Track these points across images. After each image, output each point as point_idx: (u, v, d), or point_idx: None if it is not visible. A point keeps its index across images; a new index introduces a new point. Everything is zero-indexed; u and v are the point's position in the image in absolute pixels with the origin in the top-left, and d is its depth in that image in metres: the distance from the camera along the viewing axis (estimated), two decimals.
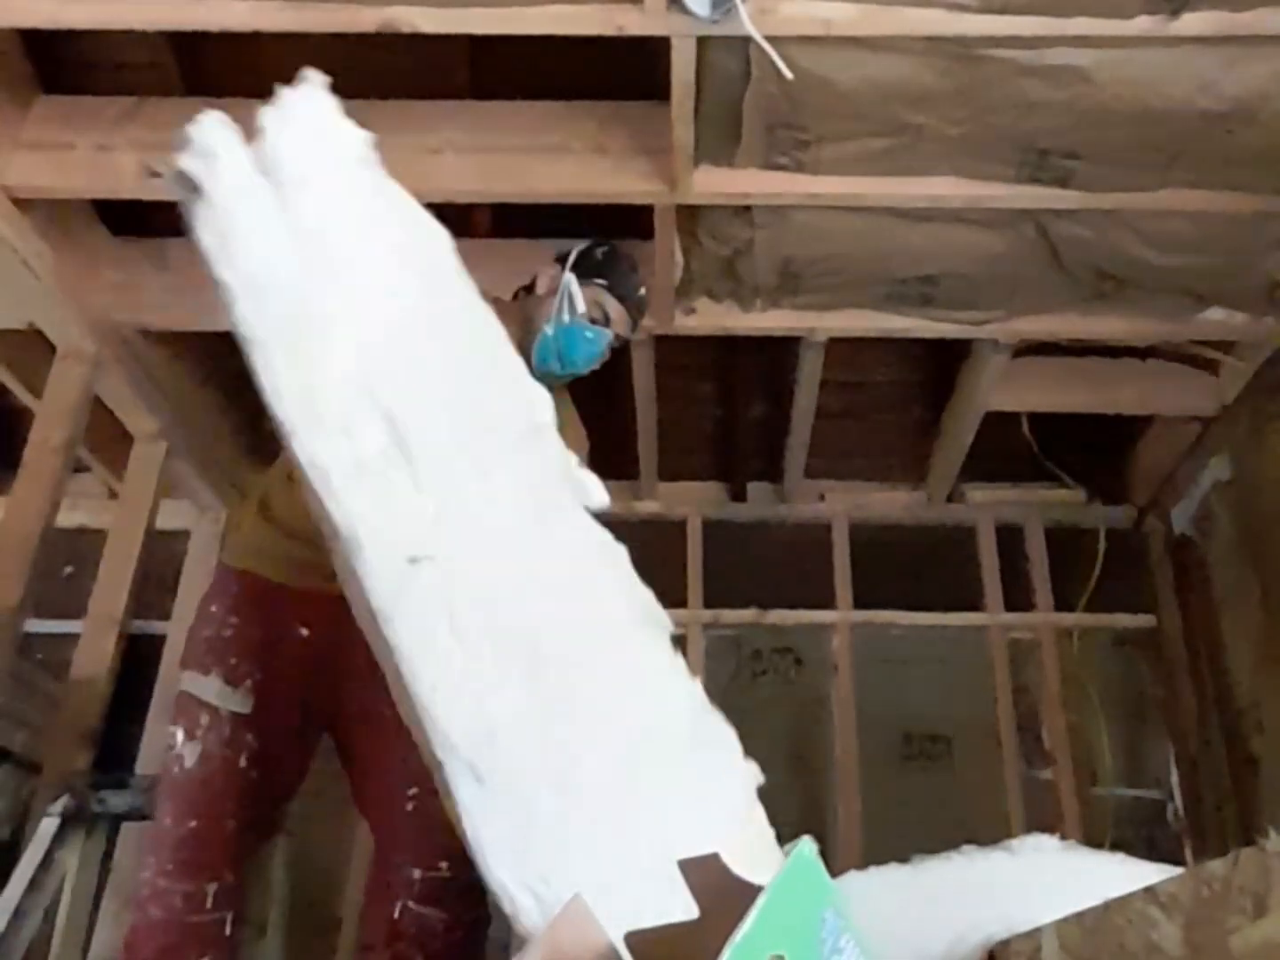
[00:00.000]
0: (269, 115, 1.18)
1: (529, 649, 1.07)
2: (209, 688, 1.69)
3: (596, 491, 1.15)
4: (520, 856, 1.02)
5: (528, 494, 1.12)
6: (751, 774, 1.17)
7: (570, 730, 1.06)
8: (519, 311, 1.93)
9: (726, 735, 1.20)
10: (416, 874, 1.63)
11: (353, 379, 1.09)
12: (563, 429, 1.90)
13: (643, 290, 1.97)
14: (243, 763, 1.65)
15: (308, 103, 1.20)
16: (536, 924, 0.98)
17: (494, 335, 1.22)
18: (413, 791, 1.66)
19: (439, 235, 1.26)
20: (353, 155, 1.21)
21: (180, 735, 1.68)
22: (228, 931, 1.62)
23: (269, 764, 1.68)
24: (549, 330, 1.88)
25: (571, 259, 1.94)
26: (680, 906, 0.88)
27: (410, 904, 1.62)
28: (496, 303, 1.90)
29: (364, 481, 1.07)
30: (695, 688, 1.20)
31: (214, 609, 1.80)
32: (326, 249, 1.14)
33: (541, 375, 1.84)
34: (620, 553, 1.18)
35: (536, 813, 1.03)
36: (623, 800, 1.05)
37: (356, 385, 1.10)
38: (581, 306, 1.88)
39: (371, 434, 1.08)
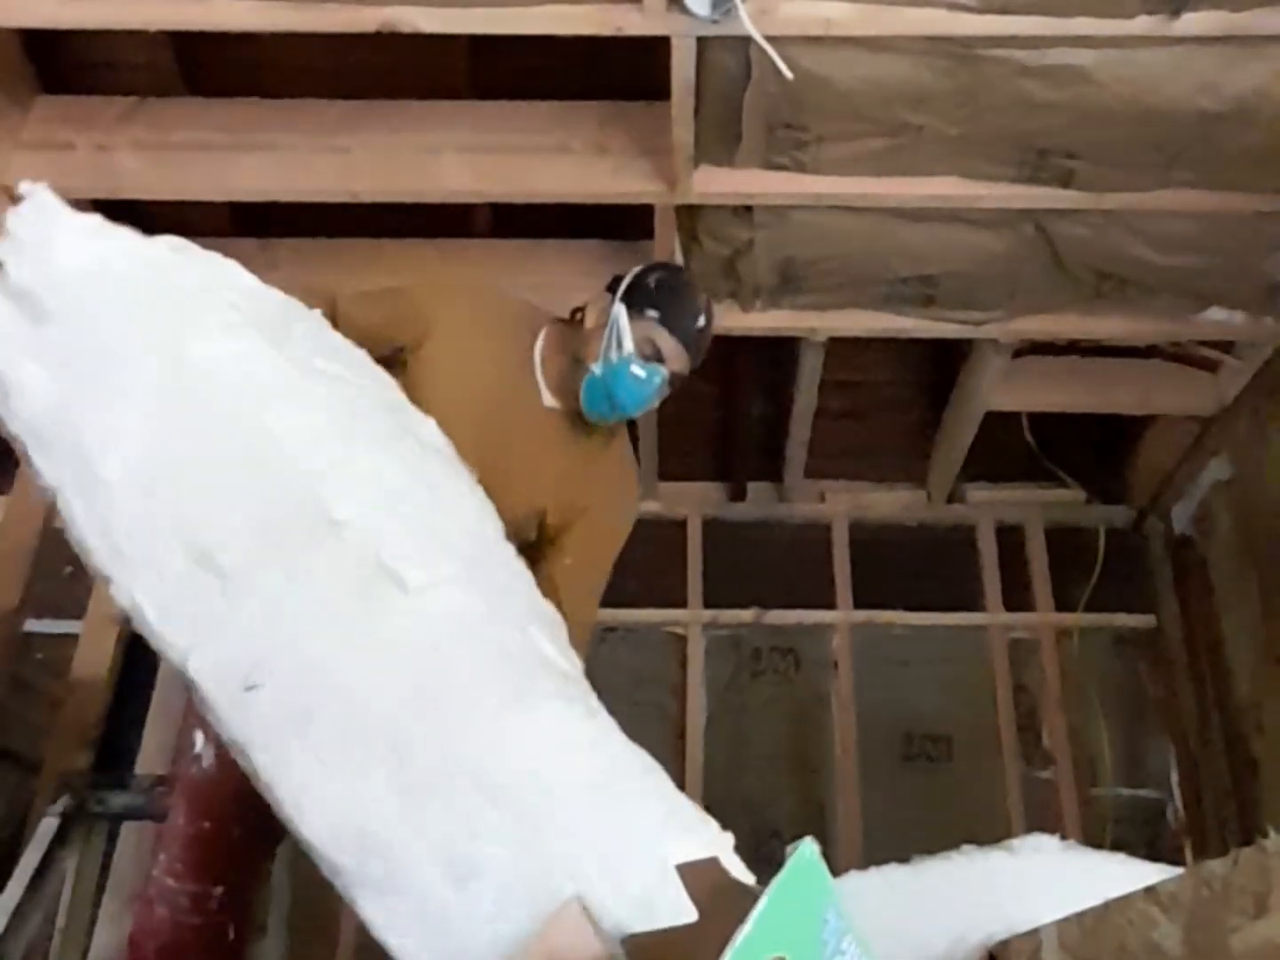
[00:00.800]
0: (3, 248, 1.15)
1: (389, 741, 1.05)
2: None
3: (413, 574, 1.10)
4: (437, 951, 1.00)
5: (341, 589, 1.09)
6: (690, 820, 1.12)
7: (454, 811, 1.03)
8: (569, 341, 1.76)
9: (643, 775, 1.15)
10: None
11: (138, 505, 1.09)
12: (612, 466, 1.88)
13: (702, 321, 1.74)
14: None
15: (36, 224, 1.17)
16: None
17: (265, 421, 1.14)
18: None
19: (203, 293, 1.19)
20: (93, 264, 1.16)
21: (200, 736, 1.67)
22: (230, 936, 1.62)
23: None
24: (596, 370, 1.68)
25: (622, 288, 1.71)
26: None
27: None
28: (551, 327, 1.80)
29: (179, 611, 1.07)
30: (598, 737, 1.15)
31: None
32: (80, 378, 1.12)
33: (592, 416, 1.75)
34: (475, 620, 1.14)
35: (439, 902, 1.01)
36: (529, 864, 1.02)
37: (143, 511, 1.09)
38: (629, 345, 1.66)
39: (172, 560, 1.07)
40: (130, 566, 1.09)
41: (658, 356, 1.69)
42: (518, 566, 1.38)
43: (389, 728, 1.05)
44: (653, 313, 1.69)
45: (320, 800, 1.03)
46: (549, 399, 1.78)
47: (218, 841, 1.62)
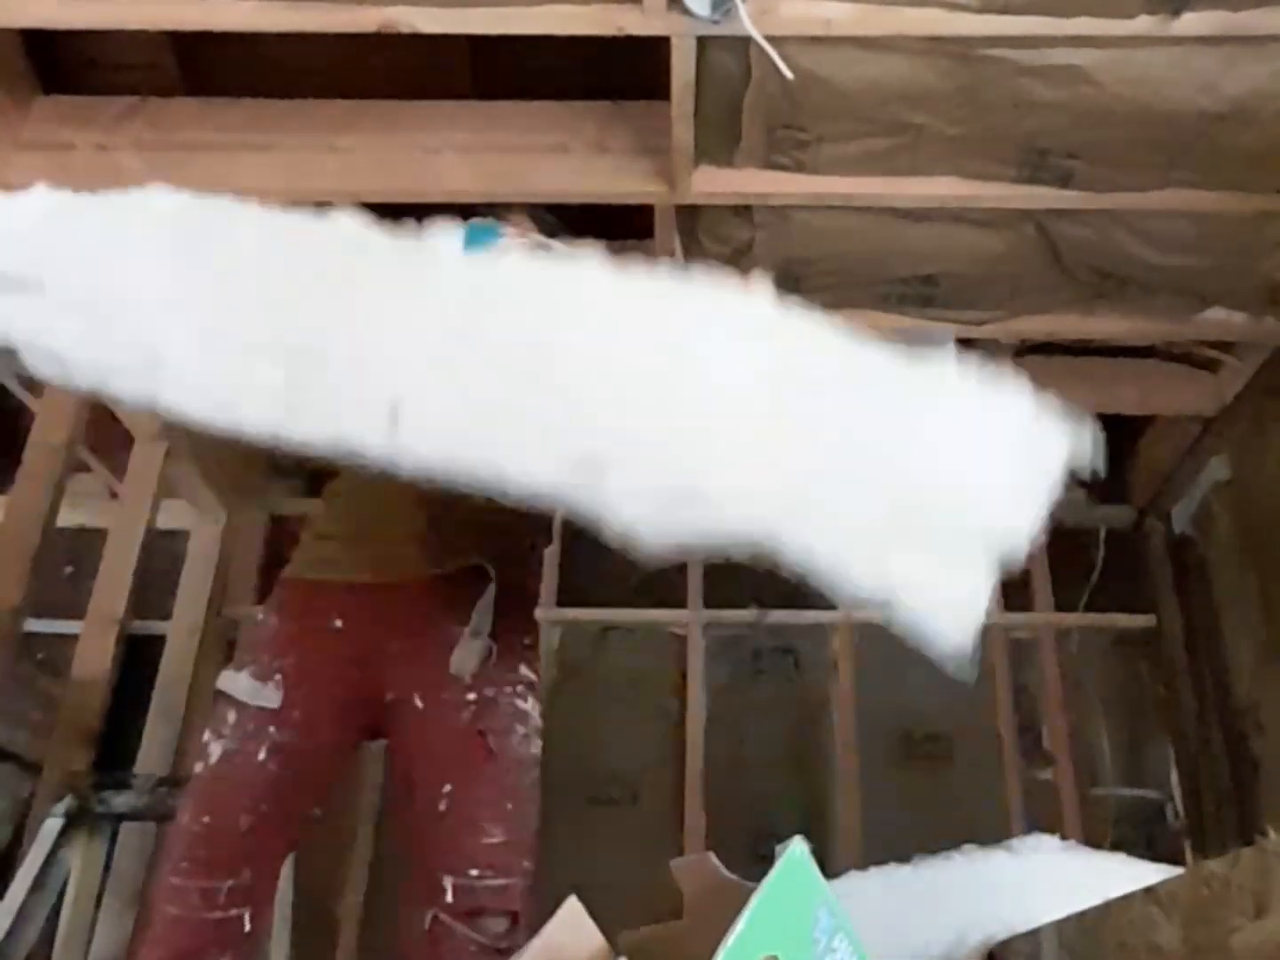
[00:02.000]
0: None
1: (508, 391, 1.13)
2: (239, 684, 1.69)
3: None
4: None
5: (385, 279, 1.20)
6: None
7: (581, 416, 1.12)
8: None
9: None
10: (447, 881, 1.58)
11: (214, 361, 1.19)
12: None
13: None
14: (262, 755, 1.63)
15: None
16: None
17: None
18: (446, 789, 1.63)
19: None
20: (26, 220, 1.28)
21: (208, 735, 1.68)
22: (247, 929, 1.61)
23: (294, 758, 1.66)
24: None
25: None
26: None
27: (441, 915, 1.58)
28: None
29: (311, 408, 1.15)
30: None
31: (260, 616, 1.82)
32: (96, 306, 1.22)
33: None
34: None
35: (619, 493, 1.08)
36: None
37: (223, 357, 1.18)
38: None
39: (272, 373, 1.17)
40: (260, 404, 1.16)
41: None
42: None
43: (503, 383, 1.12)
44: None
45: (514, 465, 1.11)
46: None
47: (221, 836, 1.61)
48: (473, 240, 1.84)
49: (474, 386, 1.13)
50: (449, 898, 1.59)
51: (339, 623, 1.74)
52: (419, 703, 1.67)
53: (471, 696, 1.67)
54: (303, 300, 1.19)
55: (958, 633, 1.04)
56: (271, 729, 1.65)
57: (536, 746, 1.72)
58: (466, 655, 1.67)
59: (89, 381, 1.21)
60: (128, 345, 1.19)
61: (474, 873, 1.59)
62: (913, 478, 1.06)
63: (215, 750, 1.65)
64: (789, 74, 1.76)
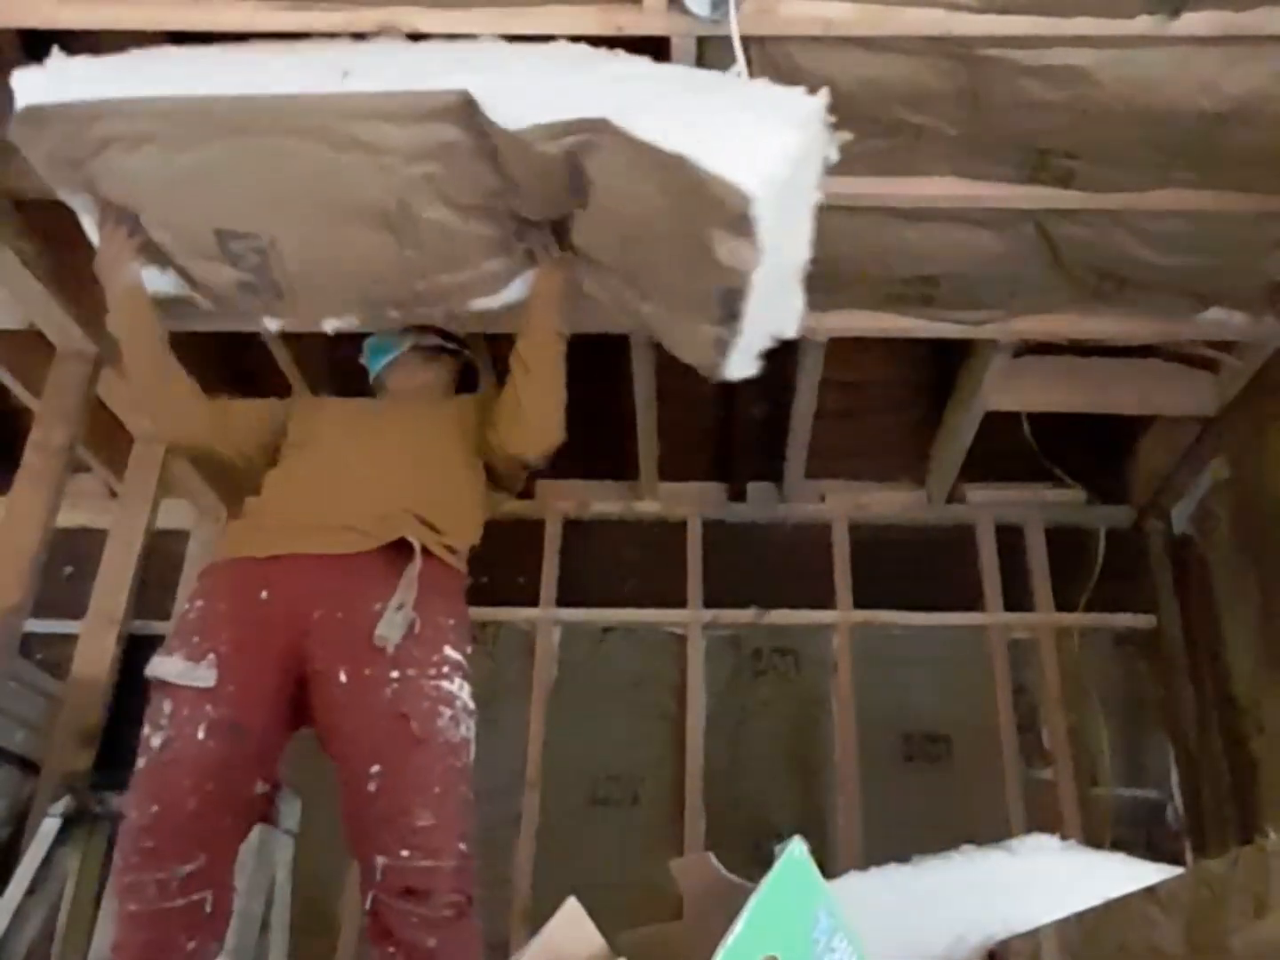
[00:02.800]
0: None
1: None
2: (169, 666, 1.68)
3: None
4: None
5: None
6: None
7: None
8: None
9: None
10: (380, 862, 1.60)
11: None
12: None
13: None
14: (200, 734, 1.63)
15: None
16: None
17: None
18: (375, 769, 1.64)
19: None
20: None
21: (146, 728, 1.68)
22: (208, 910, 1.60)
23: (233, 733, 1.66)
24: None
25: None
26: None
27: (380, 896, 1.59)
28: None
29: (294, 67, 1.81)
30: None
31: (186, 605, 1.83)
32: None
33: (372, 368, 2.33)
34: None
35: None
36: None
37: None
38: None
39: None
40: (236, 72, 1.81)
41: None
42: None
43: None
44: None
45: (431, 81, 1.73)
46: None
47: (170, 823, 1.60)
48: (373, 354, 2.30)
49: (403, 54, 1.74)
50: (378, 876, 1.60)
51: (265, 594, 1.76)
52: (342, 677, 1.68)
53: (394, 674, 1.67)
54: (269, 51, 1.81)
55: (747, 173, 1.43)
56: (208, 707, 1.65)
57: (467, 728, 1.72)
58: (390, 626, 1.68)
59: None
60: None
61: (405, 854, 1.59)
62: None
63: (155, 741, 1.65)
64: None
